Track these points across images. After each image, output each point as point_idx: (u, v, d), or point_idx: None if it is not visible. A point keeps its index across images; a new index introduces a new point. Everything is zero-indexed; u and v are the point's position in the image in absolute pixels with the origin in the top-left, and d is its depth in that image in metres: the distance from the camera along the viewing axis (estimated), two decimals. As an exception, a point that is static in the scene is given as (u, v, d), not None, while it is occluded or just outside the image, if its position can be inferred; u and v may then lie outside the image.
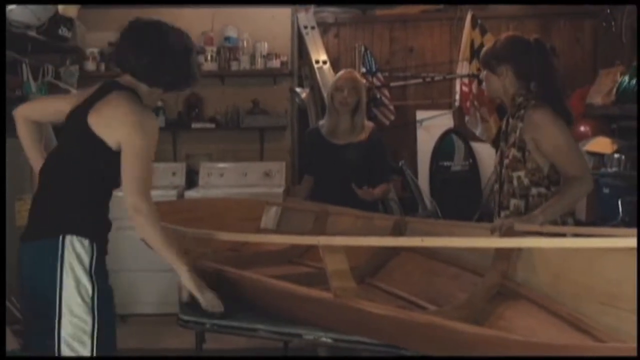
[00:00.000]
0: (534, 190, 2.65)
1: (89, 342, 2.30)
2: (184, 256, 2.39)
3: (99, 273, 2.35)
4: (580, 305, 1.93)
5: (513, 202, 2.70)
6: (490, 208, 3.05)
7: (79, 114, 2.38)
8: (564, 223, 2.61)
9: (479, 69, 4.85)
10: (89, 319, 2.30)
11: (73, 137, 2.43)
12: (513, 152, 2.68)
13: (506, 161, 2.72)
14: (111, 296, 2.42)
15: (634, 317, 1.71)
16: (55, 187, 2.42)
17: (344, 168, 3.53)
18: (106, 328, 2.36)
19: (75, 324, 2.29)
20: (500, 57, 2.74)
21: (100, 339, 2.32)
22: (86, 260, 2.31)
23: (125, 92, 2.38)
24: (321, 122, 3.81)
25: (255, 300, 2.56)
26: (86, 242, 2.32)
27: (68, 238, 2.30)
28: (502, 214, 2.74)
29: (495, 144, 4.12)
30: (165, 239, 2.32)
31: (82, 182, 2.39)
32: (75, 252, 2.30)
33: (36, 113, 2.61)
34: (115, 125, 2.32)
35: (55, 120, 2.56)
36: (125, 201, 2.29)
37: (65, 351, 2.28)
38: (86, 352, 2.29)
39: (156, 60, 2.39)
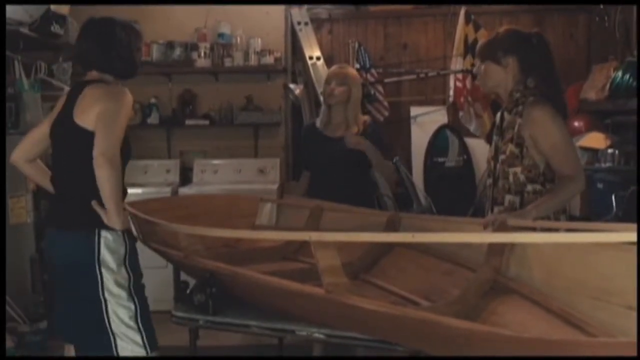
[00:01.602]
0: (529, 187, 2.63)
1: (135, 326, 2.54)
2: (123, 211, 2.53)
3: (133, 262, 2.59)
4: (572, 300, 1.93)
5: (508, 198, 2.69)
6: (483, 203, 3.04)
7: (64, 119, 2.57)
8: (557, 221, 2.60)
9: (472, 65, 4.85)
10: (132, 305, 2.54)
11: (69, 140, 2.56)
12: (510, 147, 2.66)
13: (502, 157, 2.70)
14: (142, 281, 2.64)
15: (627, 312, 1.72)
16: (75, 187, 2.57)
17: (338, 160, 3.52)
18: (146, 310, 2.61)
19: (121, 311, 2.51)
20: (508, 48, 2.71)
21: (145, 320, 2.57)
22: (120, 252, 2.53)
23: (96, 84, 2.59)
24: (317, 118, 3.82)
25: (248, 297, 2.56)
26: (120, 234, 2.53)
27: (103, 232, 2.49)
28: (496, 209, 2.72)
29: (489, 139, 4.11)
30: (117, 188, 2.44)
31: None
32: (109, 247, 2.50)
33: (31, 150, 2.73)
34: (93, 108, 2.50)
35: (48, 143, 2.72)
36: (96, 148, 2.41)
37: (121, 342, 2.52)
38: (138, 337, 2.54)
39: (104, 52, 2.62)
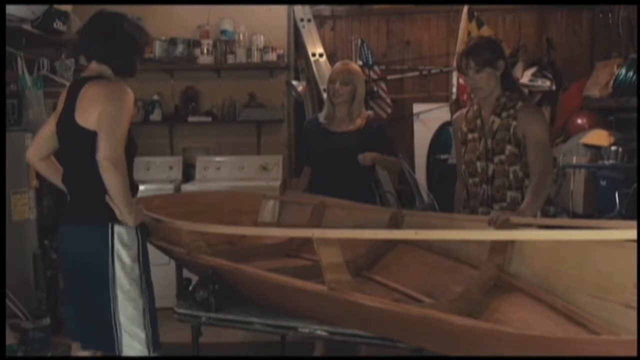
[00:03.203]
0: (526, 182, 2.80)
1: (142, 323, 2.54)
2: (132, 205, 2.53)
3: (146, 259, 2.59)
4: (571, 298, 1.93)
5: (510, 194, 2.83)
6: (465, 200, 3.07)
7: (67, 119, 2.56)
8: (546, 212, 2.81)
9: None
10: (141, 302, 2.54)
11: (74, 141, 2.56)
12: (510, 148, 2.81)
13: (502, 157, 2.84)
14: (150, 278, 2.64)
15: (624, 310, 1.71)
16: (85, 184, 2.56)
17: (341, 155, 3.52)
18: (154, 310, 2.60)
19: (129, 307, 2.51)
20: (498, 53, 2.90)
21: (152, 318, 2.57)
22: (134, 247, 2.53)
23: (95, 80, 2.57)
24: (320, 113, 3.82)
25: (251, 294, 2.56)
26: (133, 229, 2.54)
27: (116, 227, 2.50)
28: (497, 206, 2.83)
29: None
30: (124, 189, 2.47)
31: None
32: (123, 242, 2.51)
33: (42, 148, 2.74)
34: (93, 109, 2.49)
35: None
36: (99, 152, 2.43)
37: (125, 337, 2.52)
38: (143, 334, 2.53)
39: (107, 42, 2.59)
